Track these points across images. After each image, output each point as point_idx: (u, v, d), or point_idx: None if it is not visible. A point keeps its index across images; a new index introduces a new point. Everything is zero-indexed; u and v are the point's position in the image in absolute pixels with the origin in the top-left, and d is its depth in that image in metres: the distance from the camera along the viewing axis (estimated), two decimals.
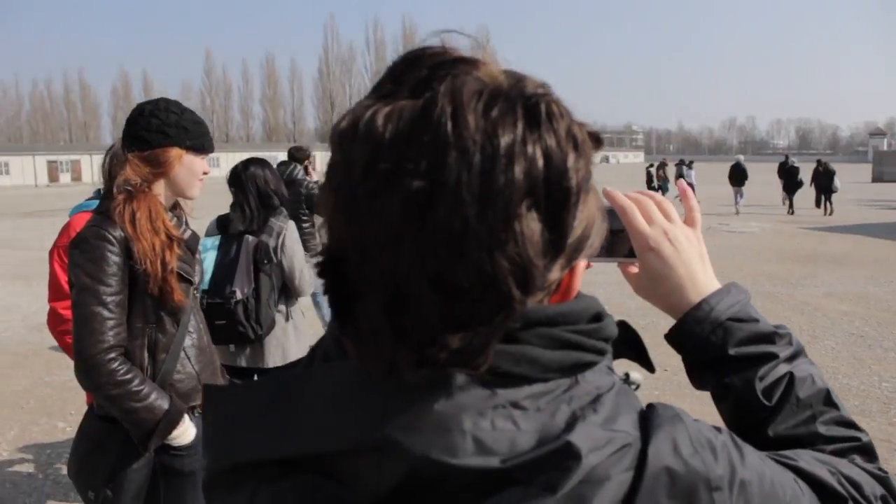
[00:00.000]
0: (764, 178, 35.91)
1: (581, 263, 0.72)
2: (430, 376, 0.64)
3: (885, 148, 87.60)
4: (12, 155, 63.19)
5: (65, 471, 4.76)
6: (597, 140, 0.69)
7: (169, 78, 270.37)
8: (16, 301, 10.53)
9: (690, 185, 26.00)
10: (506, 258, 0.60)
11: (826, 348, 7.67)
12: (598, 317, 0.73)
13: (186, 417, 2.30)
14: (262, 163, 4.11)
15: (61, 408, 5.91)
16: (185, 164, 2.33)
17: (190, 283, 2.38)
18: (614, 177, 57.83)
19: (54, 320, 3.10)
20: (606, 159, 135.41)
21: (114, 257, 2.16)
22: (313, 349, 0.78)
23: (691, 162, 31.25)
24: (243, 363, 3.90)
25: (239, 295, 3.83)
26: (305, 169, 7.08)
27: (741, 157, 27.47)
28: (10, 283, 12.17)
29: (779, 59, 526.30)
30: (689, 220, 1.01)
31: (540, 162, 0.61)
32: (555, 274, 0.66)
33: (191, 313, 2.42)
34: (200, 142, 2.35)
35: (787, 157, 27.50)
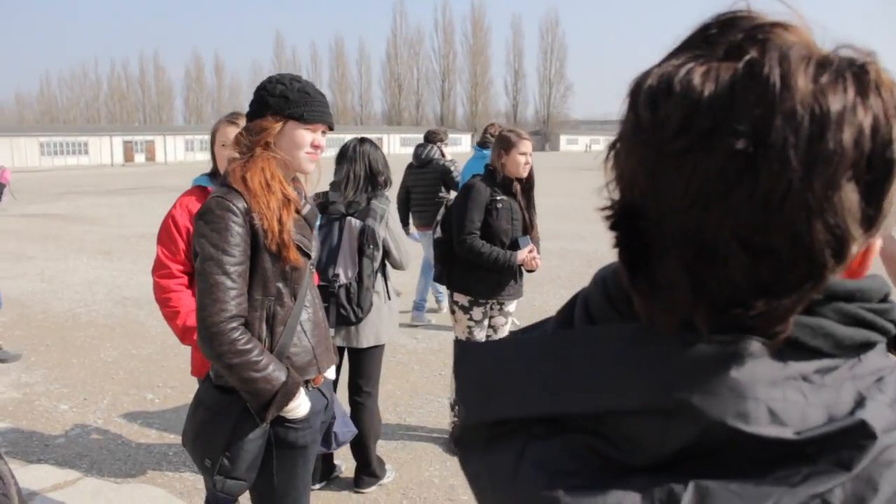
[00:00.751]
0: None
1: (877, 241, 0.68)
2: (724, 341, 0.63)
3: None
4: (91, 135, 65.01)
5: (155, 439, 4.97)
6: None
7: (240, 59, 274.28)
8: (100, 275, 10.92)
9: None
10: (824, 226, 0.59)
11: None
12: (887, 297, 0.70)
13: (302, 390, 2.34)
14: (374, 144, 4.14)
15: (149, 380, 6.13)
16: (287, 133, 2.33)
17: (308, 256, 2.43)
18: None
19: (157, 290, 3.23)
20: (435, 142, 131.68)
21: (237, 227, 2.21)
22: (563, 310, 0.78)
23: None
24: (338, 342, 4.00)
25: (343, 279, 3.90)
26: (440, 150, 7.75)
27: None
28: (93, 258, 12.63)
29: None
30: None
31: (868, 131, 0.59)
32: (858, 248, 0.64)
33: (307, 288, 2.47)
34: (301, 111, 2.33)
35: None
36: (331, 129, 2.43)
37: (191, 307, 3.16)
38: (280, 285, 2.34)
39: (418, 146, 7.87)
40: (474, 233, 4.42)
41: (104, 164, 63.50)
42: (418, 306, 8.01)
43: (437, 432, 5.08)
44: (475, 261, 4.42)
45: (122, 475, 4.48)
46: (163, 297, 3.18)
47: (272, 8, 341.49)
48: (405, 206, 7.76)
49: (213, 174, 3.30)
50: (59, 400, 5.72)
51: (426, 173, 7.71)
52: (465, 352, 0.76)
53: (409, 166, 7.90)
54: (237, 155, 3.17)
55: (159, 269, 3.20)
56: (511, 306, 4.74)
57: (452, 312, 4.71)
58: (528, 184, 4.58)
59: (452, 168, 7.64)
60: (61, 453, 4.77)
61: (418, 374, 6.32)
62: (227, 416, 2.30)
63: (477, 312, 4.60)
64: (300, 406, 2.33)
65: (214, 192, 2.31)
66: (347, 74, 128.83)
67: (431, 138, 7.85)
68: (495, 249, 4.40)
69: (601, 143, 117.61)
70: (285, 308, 2.37)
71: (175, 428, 5.09)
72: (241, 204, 2.25)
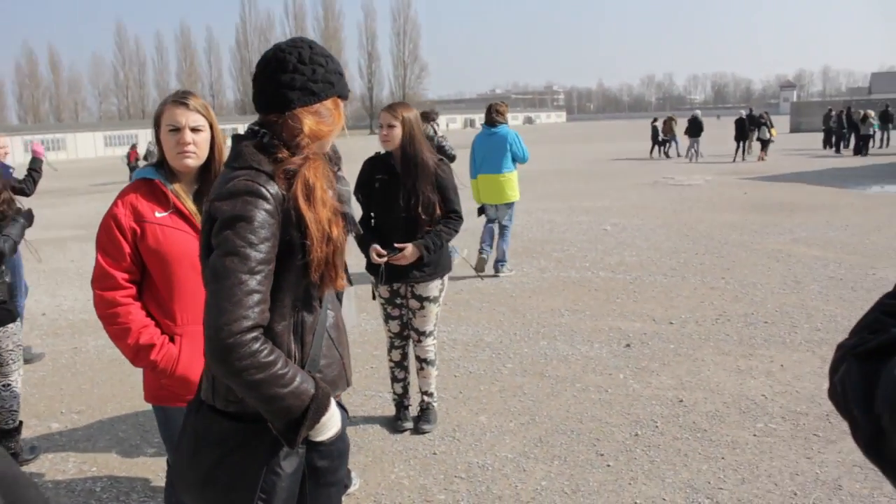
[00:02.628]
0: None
1: None
2: None
3: (795, 99, 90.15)
4: None
5: (74, 474, 4.38)
6: None
7: (78, 52, 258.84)
8: None
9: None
10: None
11: (813, 292, 7.71)
12: None
13: (333, 401, 1.95)
14: None
15: (49, 408, 5.47)
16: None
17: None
18: (539, 136, 58.08)
19: (100, 305, 2.72)
20: (530, 120, 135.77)
21: (269, 218, 1.81)
22: None
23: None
24: None
25: None
26: (433, 128, 8.58)
27: (699, 112, 29.44)
28: None
29: (694, 15, 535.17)
30: None
31: None
32: None
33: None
34: (346, 90, 2.01)
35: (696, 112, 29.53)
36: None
37: (143, 322, 2.69)
38: (310, 288, 1.94)
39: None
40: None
41: None
42: None
43: (389, 429, 4.75)
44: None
45: None
46: (108, 313, 2.68)
47: None
48: None
49: (160, 164, 2.81)
50: None
51: None
52: None
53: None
54: (201, 139, 2.73)
55: (102, 281, 2.69)
56: (426, 290, 4.59)
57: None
58: (411, 160, 4.44)
59: (445, 143, 8.31)
60: None
61: None
62: (254, 450, 1.87)
63: (383, 290, 4.64)
64: (331, 421, 1.92)
65: (242, 175, 1.85)
66: (196, 64, 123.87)
67: (425, 118, 8.14)
68: (365, 237, 4.47)
69: (458, 121, 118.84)
70: (314, 314, 1.97)
71: (96, 459, 4.51)
72: (273, 189, 1.83)
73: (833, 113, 32.61)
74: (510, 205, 9.08)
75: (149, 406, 4.59)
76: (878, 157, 27.82)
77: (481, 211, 9.21)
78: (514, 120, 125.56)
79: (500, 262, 9.16)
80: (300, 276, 1.90)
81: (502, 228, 9.19)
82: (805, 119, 50.91)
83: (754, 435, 4.50)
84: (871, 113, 30.03)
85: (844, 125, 31.04)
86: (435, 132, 8.49)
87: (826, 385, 0.97)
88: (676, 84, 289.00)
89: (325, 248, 1.88)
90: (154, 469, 4.36)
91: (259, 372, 1.72)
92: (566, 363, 5.88)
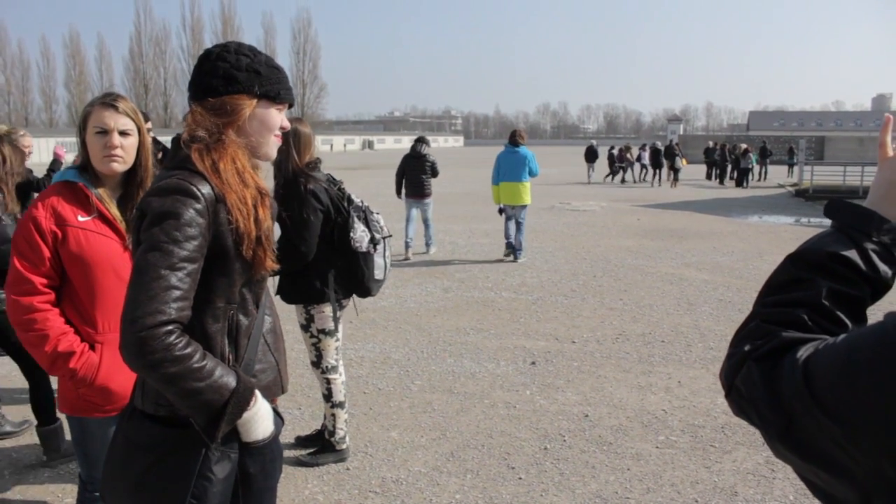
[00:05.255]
0: (578, 159, 38.54)
1: None
2: None
3: (682, 132, 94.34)
4: None
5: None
6: None
7: None
8: None
9: (644, 165, 31.64)
10: None
11: (705, 314, 8.10)
12: None
13: (258, 395, 1.90)
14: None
15: None
16: (258, 114, 1.96)
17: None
18: (438, 160, 58.46)
19: (15, 311, 2.61)
20: (370, 145, 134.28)
21: (198, 217, 1.78)
22: None
23: (644, 145, 35.44)
24: None
25: None
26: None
27: (594, 142, 34.44)
28: None
29: (589, 47, 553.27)
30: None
31: None
32: None
33: (266, 291, 2.08)
34: (277, 89, 1.98)
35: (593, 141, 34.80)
36: (290, 108, 2.06)
37: (62, 329, 2.60)
38: (245, 290, 1.93)
39: (416, 140, 12.40)
40: None
41: None
42: None
43: (302, 445, 4.70)
44: None
45: None
46: (24, 319, 2.58)
47: None
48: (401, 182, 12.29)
49: (83, 167, 2.73)
50: None
51: (420, 162, 12.06)
52: None
53: (407, 157, 12.21)
54: (129, 144, 2.68)
55: (18, 285, 2.59)
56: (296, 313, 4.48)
57: None
58: (289, 175, 4.23)
59: (435, 160, 12.26)
60: None
61: None
62: (185, 455, 1.82)
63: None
64: (257, 418, 1.89)
65: (174, 174, 1.83)
66: (86, 73, 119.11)
67: (424, 140, 12.41)
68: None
69: (356, 142, 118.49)
70: (249, 317, 1.95)
71: (4, 485, 4.29)
72: (205, 189, 1.81)
73: (714, 146, 34.62)
74: (524, 206, 11.67)
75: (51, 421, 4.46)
76: (758, 189, 29.51)
77: (501, 211, 11.90)
78: (397, 143, 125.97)
79: (518, 251, 11.65)
80: (235, 277, 1.88)
81: (518, 225, 11.68)
82: (690, 151, 53.31)
83: (656, 447, 4.69)
84: (749, 147, 32.17)
85: (727, 159, 32.78)
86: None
87: (720, 400, 1.08)
88: (571, 113, 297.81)
89: (253, 226, 1.87)
90: (54, 492, 4.18)
91: (173, 365, 1.66)
92: (474, 380, 5.97)
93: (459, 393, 5.68)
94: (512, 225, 11.71)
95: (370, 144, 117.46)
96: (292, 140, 4.19)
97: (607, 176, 33.51)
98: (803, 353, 0.93)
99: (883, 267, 0.99)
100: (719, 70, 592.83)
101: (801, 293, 0.99)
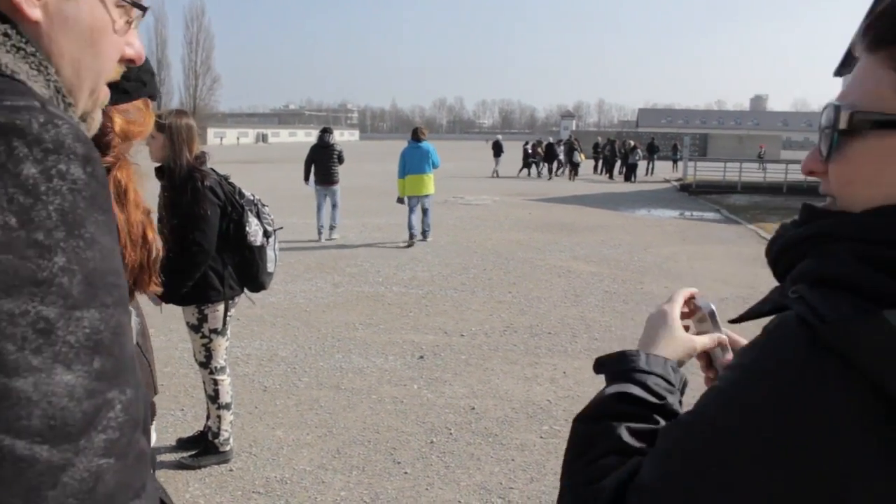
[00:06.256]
0: (473, 154, 38.84)
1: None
2: None
3: (574, 128, 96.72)
4: None
5: None
6: None
7: None
8: None
9: (559, 160, 33.39)
10: None
11: (591, 305, 8.31)
12: None
13: None
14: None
15: None
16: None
17: None
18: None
19: None
20: (264, 138, 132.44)
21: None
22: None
23: (559, 141, 37.89)
24: None
25: None
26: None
27: (500, 137, 36.59)
28: None
29: (485, 42, 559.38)
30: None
31: None
32: None
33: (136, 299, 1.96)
34: (158, 91, 1.89)
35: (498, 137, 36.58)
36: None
37: None
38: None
39: (323, 131, 13.57)
40: None
41: None
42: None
43: (183, 447, 4.55)
44: None
45: None
46: None
47: None
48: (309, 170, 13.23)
49: None
50: None
51: (328, 151, 13.04)
52: None
53: (315, 147, 13.21)
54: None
55: None
56: (184, 313, 4.28)
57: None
58: (183, 171, 4.05)
59: (341, 150, 13.44)
60: None
61: None
62: None
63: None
64: None
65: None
66: None
67: (329, 130, 13.59)
68: None
69: (250, 136, 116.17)
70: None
71: None
72: None
73: (602, 142, 35.87)
74: (429, 196, 12.93)
75: None
76: (645, 183, 30.58)
77: (401, 201, 13.13)
78: (307, 136, 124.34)
79: (426, 231, 12.98)
80: None
81: (425, 211, 12.94)
82: (583, 147, 55.08)
83: (541, 437, 4.77)
84: (637, 143, 33.50)
85: (617, 154, 33.84)
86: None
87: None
88: (467, 108, 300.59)
89: (140, 251, 1.77)
90: None
91: None
92: (361, 375, 5.93)
93: (347, 389, 5.63)
94: (415, 217, 12.78)
95: (264, 138, 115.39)
96: (185, 135, 4.01)
97: (521, 170, 34.50)
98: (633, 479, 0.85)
99: (664, 395, 0.96)
100: (611, 68, 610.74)
101: (602, 444, 0.92)
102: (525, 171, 34.67)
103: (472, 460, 4.44)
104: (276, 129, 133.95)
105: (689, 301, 1.16)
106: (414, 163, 12.81)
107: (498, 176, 32.51)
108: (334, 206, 13.32)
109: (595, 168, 36.25)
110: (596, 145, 36.50)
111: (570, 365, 6.20)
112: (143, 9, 0.96)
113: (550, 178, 32.63)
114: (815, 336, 0.71)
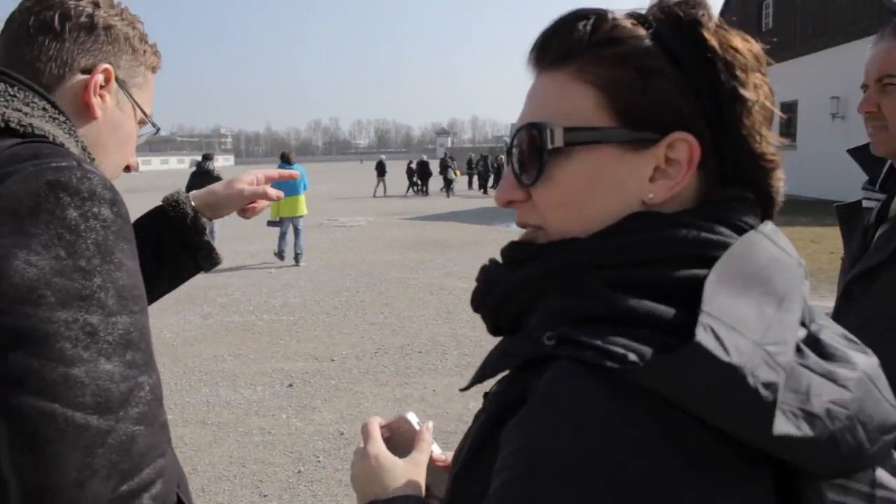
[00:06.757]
0: (348, 175, 38.83)
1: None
2: None
3: (449, 145, 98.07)
4: None
5: None
6: None
7: None
8: None
9: (449, 180, 33.05)
10: None
11: (462, 321, 8.41)
12: None
13: None
14: None
15: None
16: None
17: None
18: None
19: None
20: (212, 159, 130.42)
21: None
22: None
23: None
24: None
25: None
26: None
27: (383, 157, 36.11)
28: None
29: (359, 62, 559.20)
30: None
31: None
32: None
33: None
34: None
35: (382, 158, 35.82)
36: None
37: None
38: None
39: (202, 160, 13.95)
40: None
41: None
42: None
43: None
44: None
45: None
46: None
47: None
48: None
49: None
50: None
51: (208, 178, 12.19)
52: None
53: (194, 174, 13.28)
54: None
55: None
56: None
57: None
58: None
59: (220, 175, 12.55)
60: None
61: None
62: None
63: None
64: None
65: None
66: None
67: (209, 157, 13.95)
68: None
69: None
70: None
71: None
72: None
73: (475, 158, 36.49)
74: (302, 216, 13.12)
75: None
76: None
77: (272, 224, 13.22)
78: (180, 163, 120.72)
79: (298, 255, 12.95)
80: None
81: (297, 232, 12.97)
82: (459, 163, 56.01)
83: None
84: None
85: (490, 169, 34.48)
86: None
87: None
88: (342, 129, 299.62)
89: None
90: None
91: None
92: (229, 408, 5.80)
93: (213, 423, 5.49)
94: (287, 239, 13.02)
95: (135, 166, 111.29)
96: None
97: (408, 189, 34.72)
98: None
99: None
100: (484, 85, 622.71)
101: None
102: (411, 189, 34.86)
103: (341, 486, 4.42)
104: (148, 157, 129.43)
105: (383, 429, 1.06)
106: (289, 185, 12.69)
107: (385, 195, 32.64)
108: (211, 233, 12.95)
109: (469, 183, 36.86)
110: (469, 161, 37.11)
111: (440, 383, 6.27)
112: (157, 128, 1.41)
113: (426, 195, 33.13)
114: (612, 378, 0.62)
